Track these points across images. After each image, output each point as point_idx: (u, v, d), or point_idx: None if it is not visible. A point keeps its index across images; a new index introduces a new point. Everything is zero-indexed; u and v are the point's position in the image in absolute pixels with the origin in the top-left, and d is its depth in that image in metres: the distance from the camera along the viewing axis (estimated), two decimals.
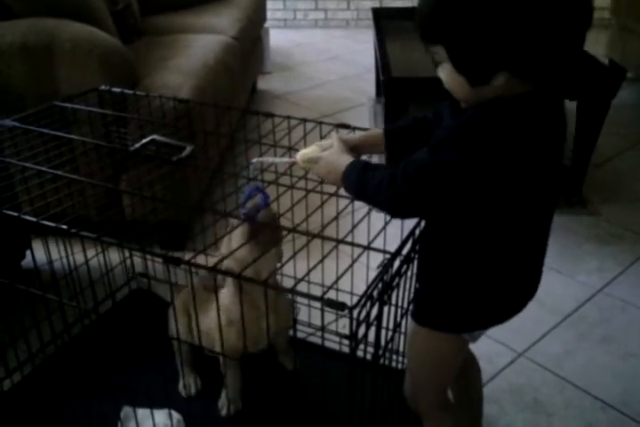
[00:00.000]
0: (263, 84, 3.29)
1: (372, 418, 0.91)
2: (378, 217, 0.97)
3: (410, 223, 0.93)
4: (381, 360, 0.91)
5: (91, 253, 1.33)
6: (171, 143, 1.08)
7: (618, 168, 2.41)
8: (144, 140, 1.08)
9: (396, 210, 0.81)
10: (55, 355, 1.31)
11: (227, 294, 1.09)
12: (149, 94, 1.42)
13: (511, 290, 0.92)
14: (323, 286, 1.04)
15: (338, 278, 0.83)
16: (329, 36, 4.26)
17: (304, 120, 1.15)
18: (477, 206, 0.81)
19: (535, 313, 1.60)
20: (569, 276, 1.78)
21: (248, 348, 1.05)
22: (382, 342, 0.89)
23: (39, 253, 1.22)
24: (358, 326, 0.75)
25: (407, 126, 0.95)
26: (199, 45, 2.22)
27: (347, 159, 0.86)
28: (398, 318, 0.95)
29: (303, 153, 0.95)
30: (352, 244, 0.84)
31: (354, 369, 0.79)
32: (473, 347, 1.06)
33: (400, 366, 1.16)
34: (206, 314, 1.10)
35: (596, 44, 2.69)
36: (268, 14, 3.29)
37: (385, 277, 0.81)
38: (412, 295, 0.98)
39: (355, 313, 0.73)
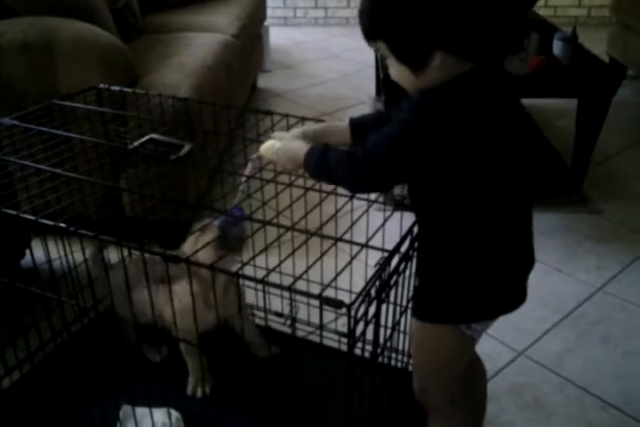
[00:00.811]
0: (263, 82, 3.29)
1: (371, 416, 0.91)
2: (377, 215, 0.97)
3: (409, 221, 0.93)
4: (381, 359, 0.91)
5: (90, 251, 1.33)
6: (169, 142, 1.08)
7: (618, 166, 2.41)
8: (142, 139, 1.08)
9: (355, 182, 0.84)
10: (54, 353, 1.31)
11: (182, 286, 1.12)
12: (148, 93, 1.41)
13: (504, 277, 0.93)
14: (322, 284, 1.04)
15: (336, 276, 0.83)
16: (329, 34, 4.25)
17: (302, 118, 1.15)
18: (438, 184, 0.84)
19: (535, 312, 1.61)
20: (569, 274, 1.78)
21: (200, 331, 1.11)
22: (381, 341, 0.89)
23: (39, 251, 1.22)
24: (356, 323, 0.75)
25: (371, 118, 1.01)
26: (199, 44, 2.22)
27: (302, 144, 0.90)
28: (397, 317, 0.95)
29: (266, 146, 0.97)
30: (350, 242, 0.84)
31: (352, 367, 0.79)
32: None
33: (400, 364, 1.16)
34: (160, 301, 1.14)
35: (597, 42, 2.69)
36: (268, 12, 3.28)
37: (382, 275, 0.81)
38: (411, 293, 0.98)
39: (352, 311, 0.73)
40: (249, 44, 2.71)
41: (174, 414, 1.16)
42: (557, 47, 2.07)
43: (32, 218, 0.93)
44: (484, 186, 0.84)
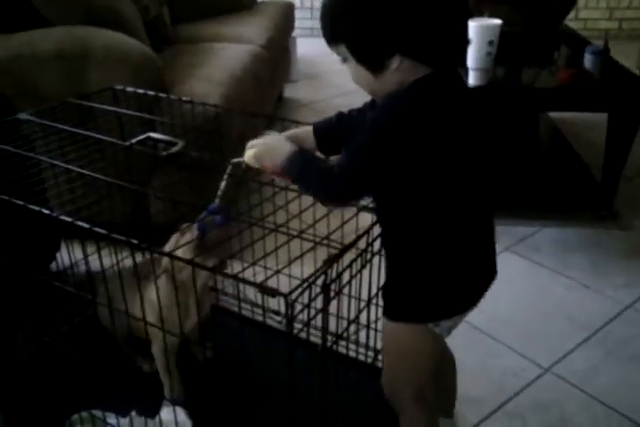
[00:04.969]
0: (289, 92, 3.32)
1: (324, 405, 0.93)
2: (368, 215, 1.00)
3: None
4: (345, 351, 0.96)
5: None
6: (164, 140, 1.11)
7: None
8: (140, 137, 1.11)
9: (331, 197, 0.90)
10: (57, 340, 1.32)
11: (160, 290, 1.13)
12: (181, 98, 1.43)
13: (464, 274, 0.95)
14: (303, 278, 1.06)
15: (285, 266, 0.89)
16: None
17: None
18: (402, 189, 0.88)
19: (563, 328, 1.58)
20: (597, 291, 1.74)
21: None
22: (336, 331, 0.95)
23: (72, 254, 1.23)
24: (292, 309, 0.80)
25: (334, 120, 1.03)
26: (228, 54, 2.25)
27: (287, 143, 0.94)
28: (356, 311, 0.99)
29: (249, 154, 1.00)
30: (328, 242, 0.91)
31: (291, 349, 0.84)
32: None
33: (364, 358, 1.18)
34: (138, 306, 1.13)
35: (628, 55, 2.65)
36: (296, 23, 3.31)
37: (328, 272, 0.85)
38: (374, 290, 1.02)
39: (289, 299, 0.79)
40: (277, 54, 2.74)
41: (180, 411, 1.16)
42: (588, 60, 2.05)
43: (53, 215, 0.95)
44: (446, 188, 0.88)
